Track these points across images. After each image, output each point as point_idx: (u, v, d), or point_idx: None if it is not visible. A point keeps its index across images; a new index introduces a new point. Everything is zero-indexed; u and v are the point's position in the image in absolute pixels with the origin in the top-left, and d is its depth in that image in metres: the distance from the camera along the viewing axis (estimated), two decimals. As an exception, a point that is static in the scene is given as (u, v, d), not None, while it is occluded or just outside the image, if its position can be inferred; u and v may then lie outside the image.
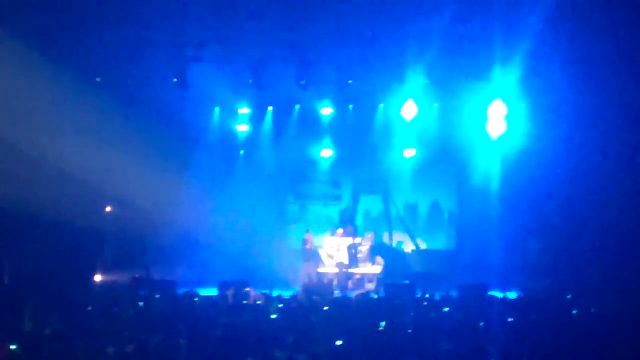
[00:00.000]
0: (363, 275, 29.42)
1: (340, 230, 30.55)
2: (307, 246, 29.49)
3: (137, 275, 25.85)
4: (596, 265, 27.30)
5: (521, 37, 25.49)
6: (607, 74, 25.84)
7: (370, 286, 28.45)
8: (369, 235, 30.49)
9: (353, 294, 23.78)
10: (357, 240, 29.94)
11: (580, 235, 28.65)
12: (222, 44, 26.32)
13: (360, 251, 29.80)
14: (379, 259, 29.79)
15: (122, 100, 25.69)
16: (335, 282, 28.22)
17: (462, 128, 29.81)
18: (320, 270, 29.15)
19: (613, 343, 13.58)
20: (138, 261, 26.52)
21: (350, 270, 29.19)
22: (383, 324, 16.02)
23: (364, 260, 29.73)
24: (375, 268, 29.40)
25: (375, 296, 22.97)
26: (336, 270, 29.06)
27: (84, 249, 25.19)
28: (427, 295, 22.11)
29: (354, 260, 29.37)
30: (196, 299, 21.65)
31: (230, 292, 23.19)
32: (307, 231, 30.10)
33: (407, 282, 27.67)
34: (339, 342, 13.65)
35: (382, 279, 28.79)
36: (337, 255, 29.24)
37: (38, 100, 22.06)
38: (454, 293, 23.87)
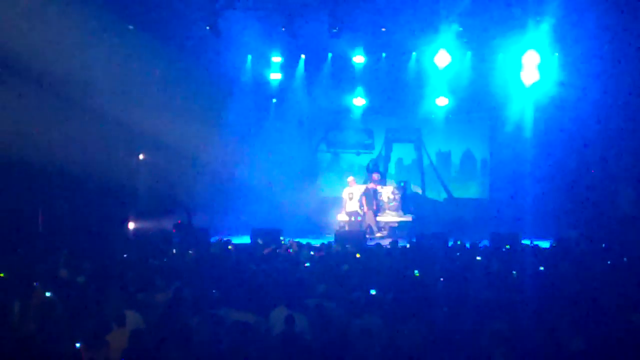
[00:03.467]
0: (397, 223, 29.48)
1: (376, 176, 30.60)
2: (349, 193, 29.40)
3: (179, 221, 26.03)
4: (630, 215, 27.22)
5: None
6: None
7: (402, 234, 28.46)
8: (402, 184, 30.41)
9: (385, 242, 23.79)
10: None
11: (614, 183, 28.54)
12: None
13: (394, 199, 29.80)
14: (411, 207, 29.79)
15: (155, 47, 25.59)
16: (368, 231, 28.23)
17: (495, 77, 29.52)
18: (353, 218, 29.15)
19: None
20: (179, 207, 26.64)
21: (367, 218, 29.20)
22: (417, 272, 16.06)
23: (396, 209, 29.72)
24: (407, 216, 29.39)
25: (407, 245, 22.94)
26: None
27: (117, 197, 25.28)
28: (459, 244, 22.10)
29: (370, 207, 29.36)
30: (230, 246, 21.77)
31: (262, 241, 23.32)
32: (349, 178, 29.98)
33: (439, 231, 27.71)
34: (373, 292, 13.69)
35: (414, 228, 28.80)
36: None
37: (72, 46, 21.98)
38: (486, 242, 23.87)
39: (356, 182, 29.85)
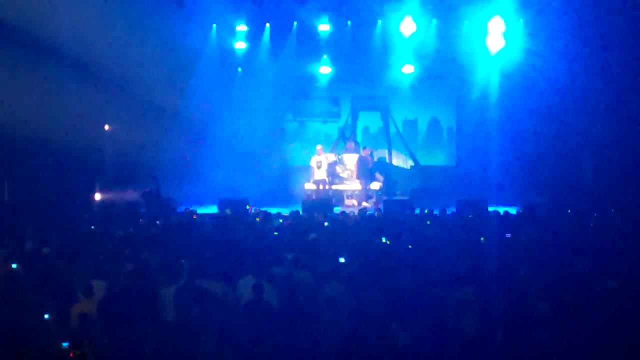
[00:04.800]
0: (363, 191, 29.53)
1: (351, 145, 30.71)
2: (317, 161, 29.37)
3: (146, 190, 25.93)
4: (595, 179, 27.44)
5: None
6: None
7: (369, 203, 28.51)
8: (368, 152, 30.41)
9: (353, 210, 23.83)
10: (367, 154, 29.87)
11: (578, 149, 28.74)
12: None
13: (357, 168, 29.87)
14: (377, 175, 29.79)
15: (117, 17, 25.37)
16: (334, 199, 28.27)
17: (460, 44, 29.54)
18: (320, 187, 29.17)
19: (611, 257, 13.64)
20: (146, 177, 26.53)
21: (333, 187, 29.37)
22: (385, 240, 16.09)
23: (362, 177, 29.75)
24: (374, 185, 29.41)
25: (376, 213, 22.99)
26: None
27: (83, 168, 25.14)
28: (426, 212, 22.16)
29: (334, 176, 29.51)
30: (195, 216, 21.74)
31: (228, 210, 23.33)
32: (317, 147, 29.95)
33: (406, 198, 27.79)
34: (342, 260, 13.72)
35: (381, 196, 28.87)
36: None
37: (37, 13, 21.77)
38: (453, 209, 23.97)
39: (324, 151, 29.80)
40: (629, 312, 10.36)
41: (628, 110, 26.83)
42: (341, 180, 30.04)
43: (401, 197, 28.93)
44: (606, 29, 26.45)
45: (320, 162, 28.99)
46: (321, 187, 28.84)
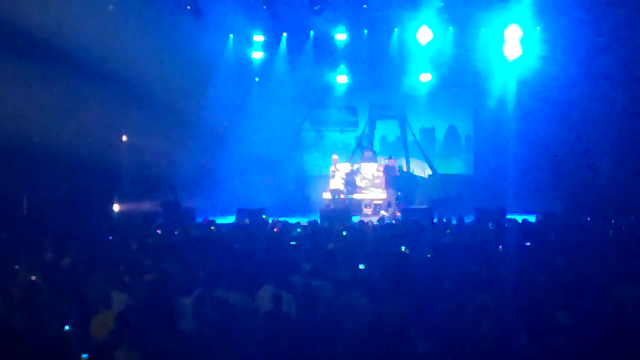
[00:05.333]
0: (382, 200, 29.54)
1: (368, 154, 30.81)
2: (332, 170, 29.44)
3: (165, 200, 25.99)
4: (613, 186, 27.36)
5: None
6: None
7: (388, 212, 28.50)
8: (388, 161, 30.40)
9: (371, 219, 23.82)
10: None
11: (595, 156, 28.68)
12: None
13: (378, 177, 29.86)
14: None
15: (135, 28, 25.44)
16: (353, 209, 28.30)
17: (477, 52, 29.53)
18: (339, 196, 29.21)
19: (630, 265, 13.60)
20: (164, 187, 26.59)
21: (350, 196, 29.35)
22: (404, 248, 16.10)
23: (382, 186, 29.74)
24: (392, 193, 29.39)
25: (393, 221, 22.98)
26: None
27: (101, 180, 25.18)
28: (444, 220, 22.14)
29: (352, 186, 29.50)
30: (213, 227, 21.77)
31: (248, 220, 23.36)
32: (333, 156, 30.01)
33: (424, 207, 27.76)
34: (361, 266, 13.73)
35: (400, 205, 28.85)
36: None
37: (54, 24, 21.84)
38: (471, 217, 23.94)
39: (339, 160, 29.85)
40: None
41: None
42: (360, 189, 30.01)
43: (420, 206, 28.88)
44: (622, 36, 26.40)
45: (334, 171, 29.04)
46: (337, 196, 28.86)
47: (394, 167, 29.63)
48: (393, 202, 28.98)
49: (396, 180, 29.39)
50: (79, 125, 23.27)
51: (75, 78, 23.12)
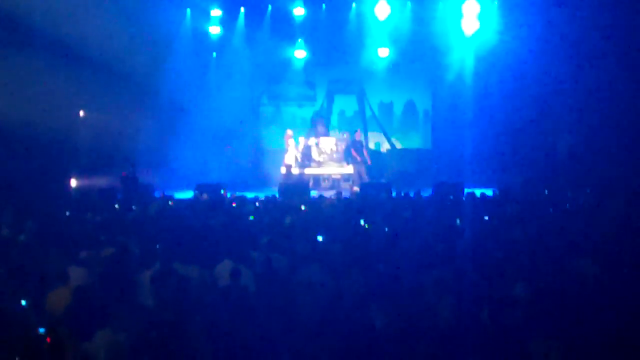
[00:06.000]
0: (340, 175, 29.55)
1: (321, 128, 30.77)
2: (287, 146, 29.38)
3: (124, 174, 25.83)
4: (570, 160, 27.53)
5: None
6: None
7: (346, 186, 28.53)
8: (345, 136, 30.43)
9: (329, 194, 23.83)
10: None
11: (553, 130, 28.83)
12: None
13: (337, 151, 29.84)
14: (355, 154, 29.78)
15: (92, 2, 25.19)
16: (311, 183, 28.30)
17: (435, 26, 29.56)
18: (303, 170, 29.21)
19: (586, 237, 13.70)
20: (122, 162, 26.42)
21: (304, 170, 29.36)
22: (363, 222, 16.13)
23: (340, 160, 29.73)
24: (350, 168, 29.41)
25: (352, 195, 23.02)
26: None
27: (58, 155, 24.98)
28: (402, 194, 22.18)
29: (307, 160, 29.51)
30: (172, 202, 21.71)
31: (207, 196, 23.30)
32: (287, 131, 29.96)
33: (383, 181, 27.82)
34: (320, 238, 13.75)
35: (358, 179, 28.87)
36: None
37: (5, 2, 21.60)
38: (429, 192, 24.01)
39: (296, 135, 29.88)
40: (605, 292, 10.42)
41: (603, 91, 26.88)
42: (318, 164, 29.95)
43: (378, 180, 28.93)
44: (580, 10, 26.49)
45: (288, 146, 29.04)
46: (290, 171, 28.83)
47: (361, 142, 29.71)
48: (360, 175, 29.01)
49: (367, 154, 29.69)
50: (35, 101, 23.05)
51: (31, 54, 22.89)
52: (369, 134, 33.30)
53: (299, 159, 29.32)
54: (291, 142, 29.30)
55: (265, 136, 33.36)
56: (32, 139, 23.23)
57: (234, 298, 10.37)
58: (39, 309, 10.24)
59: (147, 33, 27.47)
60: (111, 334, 8.79)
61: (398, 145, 33.08)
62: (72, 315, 9.56)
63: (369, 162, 29.73)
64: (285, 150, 29.39)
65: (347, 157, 29.55)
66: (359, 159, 29.30)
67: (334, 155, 29.91)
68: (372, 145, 32.96)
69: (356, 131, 30.07)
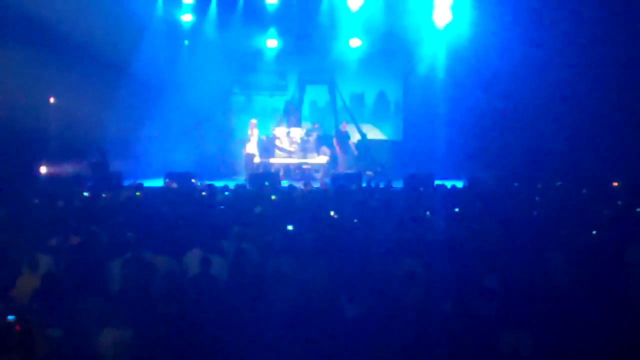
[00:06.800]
0: (310, 165, 29.54)
1: (292, 119, 30.82)
2: (250, 135, 29.26)
3: (94, 161, 25.72)
4: (540, 153, 27.64)
5: None
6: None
7: (317, 176, 28.54)
8: (316, 126, 30.44)
9: (300, 184, 23.82)
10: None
11: (526, 123, 28.91)
12: None
13: (308, 141, 29.81)
14: (325, 149, 29.76)
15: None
16: (282, 173, 28.28)
17: (408, 18, 29.56)
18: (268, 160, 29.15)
19: (556, 230, 13.78)
20: (93, 149, 26.31)
21: (271, 160, 29.34)
22: (333, 213, 16.13)
23: (311, 151, 29.71)
24: (321, 158, 29.41)
25: (320, 185, 23.04)
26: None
27: (28, 142, 24.87)
28: (372, 185, 22.21)
29: (268, 151, 29.55)
30: (138, 193, 21.60)
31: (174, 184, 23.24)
32: (251, 120, 29.86)
33: (353, 172, 27.83)
34: (290, 227, 13.75)
35: (329, 169, 28.89)
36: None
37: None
38: (400, 183, 24.06)
39: (259, 124, 29.84)
40: (574, 284, 10.49)
41: (574, 84, 27.00)
42: (289, 154, 29.89)
43: (348, 171, 28.93)
44: (553, 2, 26.60)
45: (250, 135, 28.96)
46: (255, 160, 28.77)
47: (347, 133, 29.77)
48: (335, 166, 29.09)
49: (356, 146, 29.78)
50: (4, 87, 22.94)
51: (4, 46, 22.80)
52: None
53: (263, 149, 29.25)
54: (255, 131, 29.17)
55: (236, 125, 33.23)
56: (0, 125, 23.10)
57: (203, 287, 10.37)
58: (7, 296, 10.19)
59: (118, 20, 27.30)
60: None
61: (371, 134, 33.06)
62: (40, 302, 9.53)
63: (356, 153, 29.81)
64: (247, 139, 29.26)
65: (319, 147, 29.55)
66: (338, 149, 29.32)
67: (305, 145, 29.85)
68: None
69: (342, 122, 30.15)
